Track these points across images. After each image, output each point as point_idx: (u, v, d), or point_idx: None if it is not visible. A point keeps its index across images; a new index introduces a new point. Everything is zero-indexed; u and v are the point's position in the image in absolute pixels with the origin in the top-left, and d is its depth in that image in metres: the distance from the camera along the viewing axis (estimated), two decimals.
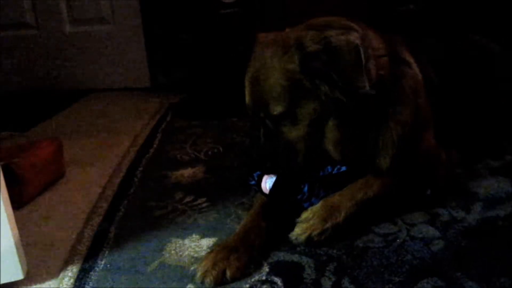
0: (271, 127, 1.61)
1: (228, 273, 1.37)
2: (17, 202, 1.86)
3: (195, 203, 1.83)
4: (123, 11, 3.56)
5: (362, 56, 1.48)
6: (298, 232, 1.51)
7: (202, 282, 1.37)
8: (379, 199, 1.60)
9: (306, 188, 1.63)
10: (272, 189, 1.65)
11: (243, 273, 1.39)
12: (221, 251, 1.43)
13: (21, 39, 3.70)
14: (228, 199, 1.83)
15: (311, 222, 1.52)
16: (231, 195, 1.85)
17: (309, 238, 1.49)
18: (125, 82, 3.69)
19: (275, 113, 1.56)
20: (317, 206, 1.56)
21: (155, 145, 2.49)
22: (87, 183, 2.10)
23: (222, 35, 3.34)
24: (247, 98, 1.63)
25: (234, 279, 1.37)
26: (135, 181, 2.08)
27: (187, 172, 2.12)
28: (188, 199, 1.87)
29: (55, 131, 2.79)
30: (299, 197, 1.62)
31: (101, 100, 3.48)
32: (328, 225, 1.51)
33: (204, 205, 1.81)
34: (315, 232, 1.50)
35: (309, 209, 1.56)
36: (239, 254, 1.42)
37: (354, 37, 1.52)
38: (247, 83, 1.62)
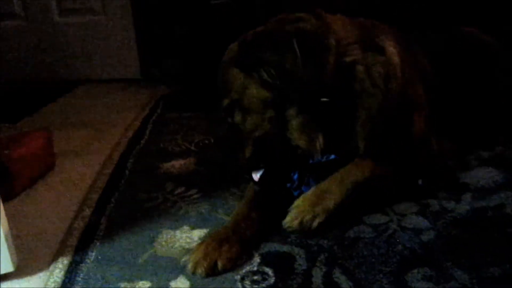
0: (230, 121, 1.66)
1: (219, 264, 1.38)
2: (7, 194, 1.85)
3: (186, 194, 1.83)
4: (114, 1, 3.52)
5: (296, 47, 1.50)
6: (289, 219, 1.52)
7: (194, 273, 1.37)
8: (369, 182, 1.60)
9: (296, 176, 1.64)
10: (262, 177, 1.65)
11: (235, 264, 1.40)
12: (212, 242, 1.43)
13: (9, 29, 3.66)
14: (219, 190, 1.83)
15: (302, 208, 1.53)
16: (222, 186, 1.85)
17: (301, 224, 1.50)
18: (115, 73, 3.67)
19: (224, 104, 1.64)
20: (308, 193, 1.57)
21: (146, 137, 2.48)
22: (77, 175, 2.09)
23: (213, 26, 3.32)
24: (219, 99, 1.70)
25: (226, 269, 1.38)
26: (126, 172, 2.07)
27: (178, 163, 2.11)
28: (179, 190, 1.87)
29: (45, 123, 2.77)
30: (289, 185, 1.63)
31: (91, 92, 3.46)
32: (319, 210, 1.52)
33: (195, 196, 1.81)
34: (306, 218, 1.51)
35: (301, 196, 1.57)
36: (230, 245, 1.43)
37: (291, 28, 1.55)
38: (218, 85, 1.71)
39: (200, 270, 1.37)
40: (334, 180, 1.59)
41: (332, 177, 1.60)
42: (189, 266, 1.38)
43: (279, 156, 1.66)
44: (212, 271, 1.37)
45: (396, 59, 1.67)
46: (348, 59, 1.59)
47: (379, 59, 1.65)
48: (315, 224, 1.51)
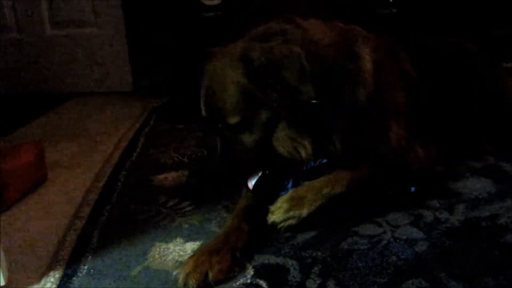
0: (227, 136, 1.66)
1: (210, 275, 1.37)
2: None
3: (179, 206, 1.82)
4: (106, 14, 3.53)
5: (305, 63, 1.56)
6: (268, 219, 1.58)
7: (185, 285, 1.36)
8: (348, 193, 1.63)
9: (290, 185, 1.66)
10: (256, 185, 1.66)
11: (226, 276, 1.39)
12: (202, 254, 1.43)
13: (1, 42, 3.65)
14: (212, 202, 1.82)
15: (277, 212, 1.57)
16: (215, 199, 1.84)
17: (273, 224, 1.56)
18: (107, 85, 3.67)
19: (232, 123, 1.62)
20: (285, 197, 1.60)
21: (138, 149, 2.47)
22: (69, 188, 2.08)
23: (205, 38, 3.33)
24: (203, 111, 1.71)
25: (217, 281, 1.37)
26: (118, 185, 2.06)
27: (170, 175, 2.11)
28: (172, 202, 1.86)
29: (37, 135, 2.76)
30: (283, 192, 1.64)
31: (83, 104, 3.45)
32: (290, 215, 1.56)
33: (188, 208, 1.81)
34: (277, 220, 1.56)
35: (279, 199, 1.60)
36: (220, 257, 1.42)
37: (295, 47, 1.60)
38: (202, 98, 1.71)
39: (191, 282, 1.36)
40: (311, 189, 1.62)
41: (310, 184, 1.64)
42: (180, 278, 1.37)
43: (274, 165, 1.69)
44: (204, 283, 1.36)
45: (368, 66, 1.71)
46: (320, 65, 1.63)
47: (348, 65, 1.69)
48: (285, 226, 1.56)
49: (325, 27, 1.75)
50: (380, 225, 1.61)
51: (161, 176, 2.10)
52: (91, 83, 3.68)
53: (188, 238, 1.61)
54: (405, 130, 1.77)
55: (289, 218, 1.57)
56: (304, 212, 1.57)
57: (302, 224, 1.57)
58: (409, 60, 1.89)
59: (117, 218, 1.79)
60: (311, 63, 1.58)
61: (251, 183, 1.67)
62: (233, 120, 1.62)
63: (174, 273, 1.42)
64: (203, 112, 1.70)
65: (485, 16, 2.92)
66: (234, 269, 1.42)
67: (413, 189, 1.70)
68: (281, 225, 1.56)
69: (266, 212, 1.60)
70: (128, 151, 2.44)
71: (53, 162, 2.31)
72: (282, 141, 1.66)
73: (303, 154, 1.66)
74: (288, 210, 1.57)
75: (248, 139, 1.65)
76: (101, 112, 3.21)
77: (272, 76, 1.57)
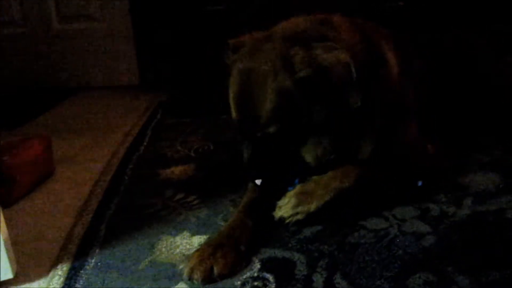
0: (260, 141, 1.60)
1: (215, 269, 1.37)
2: (6, 201, 1.85)
3: (186, 200, 1.83)
4: (112, 8, 3.53)
5: (353, 72, 1.50)
6: (275, 215, 1.58)
7: (190, 279, 1.36)
8: (357, 188, 1.62)
9: (297, 180, 1.66)
10: (264, 181, 1.65)
11: (231, 270, 1.39)
12: (207, 249, 1.43)
13: (8, 37, 3.66)
14: (219, 196, 1.82)
15: (284, 208, 1.57)
16: (222, 192, 1.85)
17: (280, 219, 1.57)
18: (114, 79, 3.67)
19: (271, 131, 1.57)
20: (293, 192, 1.60)
21: (145, 143, 2.47)
22: (77, 181, 2.08)
23: (209, 32, 3.33)
24: (237, 115, 1.62)
25: (222, 275, 1.37)
26: (125, 179, 2.06)
27: (177, 169, 2.11)
28: (178, 196, 1.86)
29: (44, 129, 2.77)
30: (290, 188, 1.64)
31: (90, 98, 3.46)
32: (298, 210, 1.56)
33: (195, 202, 1.81)
34: (285, 215, 1.56)
35: (287, 194, 1.60)
36: (225, 251, 1.42)
37: (342, 53, 1.53)
38: (234, 100, 1.62)
39: (196, 276, 1.36)
40: (319, 184, 1.61)
41: (318, 179, 1.62)
42: (185, 272, 1.38)
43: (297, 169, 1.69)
44: (209, 277, 1.36)
45: (395, 70, 1.69)
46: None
47: (380, 73, 1.67)
48: (293, 221, 1.56)
49: (352, 27, 1.68)
50: (386, 219, 1.60)
51: (168, 170, 2.11)
52: (98, 77, 3.69)
53: (195, 232, 1.62)
54: (418, 129, 1.76)
55: (297, 213, 1.56)
56: (312, 207, 1.57)
57: (310, 219, 1.57)
58: (418, 57, 1.88)
59: (124, 211, 1.80)
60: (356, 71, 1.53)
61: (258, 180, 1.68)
62: (272, 129, 1.56)
63: (180, 267, 1.43)
64: (234, 115, 1.63)
65: (493, 9, 2.90)
66: (239, 264, 1.42)
67: (419, 183, 1.70)
68: (288, 220, 1.56)
69: (272, 207, 1.60)
70: (135, 145, 2.44)
71: (61, 156, 2.32)
72: (312, 148, 1.65)
73: (328, 158, 1.66)
74: (296, 205, 1.57)
75: (282, 146, 1.62)
76: (108, 106, 3.22)
77: (319, 86, 1.51)
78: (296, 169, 1.68)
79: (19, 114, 3.07)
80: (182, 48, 3.44)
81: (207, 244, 1.47)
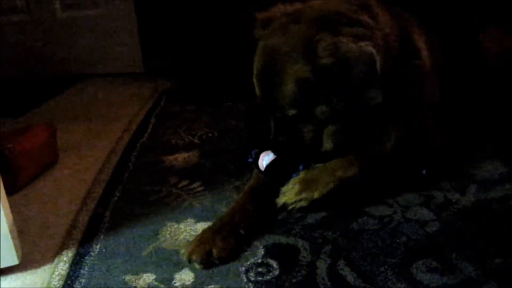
0: (283, 123, 1.62)
1: (214, 252, 1.39)
2: (11, 188, 1.86)
3: (190, 187, 1.83)
4: None
5: (378, 66, 1.47)
6: (279, 201, 1.58)
7: (189, 262, 1.38)
8: (362, 178, 1.61)
9: (301, 167, 1.66)
10: (268, 166, 1.67)
11: (230, 253, 1.41)
12: (206, 232, 1.46)
13: (12, 24, 3.66)
14: (223, 183, 1.83)
15: (288, 193, 1.57)
16: (226, 179, 1.85)
17: (284, 206, 1.56)
18: (118, 67, 3.67)
19: (290, 114, 1.57)
20: (297, 178, 1.60)
21: (149, 130, 2.48)
22: (81, 169, 2.09)
23: (214, 17, 3.32)
24: (259, 93, 1.62)
25: (220, 258, 1.39)
26: (129, 166, 2.07)
27: (181, 156, 2.11)
28: (183, 183, 1.86)
29: (48, 117, 2.77)
30: (294, 175, 1.64)
31: (94, 86, 3.46)
32: (302, 196, 1.55)
33: (199, 189, 1.81)
34: (288, 201, 1.56)
35: (291, 180, 1.60)
36: (224, 235, 1.44)
37: (368, 46, 1.48)
38: (258, 79, 1.61)
39: (195, 257, 1.38)
40: (324, 171, 1.61)
41: (323, 166, 1.62)
42: (185, 255, 1.40)
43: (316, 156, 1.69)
44: (207, 259, 1.38)
45: (428, 62, 1.67)
46: (389, 65, 1.56)
47: (415, 64, 1.65)
48: (296, 207, 1.56)
49: (390, 16, 1.65)
50: (390, 206, 1.60)
51: (172, 157, 2.11)
52: (102, 64, 3.68)
53: (199, 219, 1.62)
54: (434, 120, 1.75)
55: (300, 200, 1.56)
56: (316, 194, 1.56)
57: (313, 206, 1.57)
58: (440, 49, 1.85)
59: (129, 198, 1.80)
60: (383, 65, 1.50)
61: (262, 165, 1.68)
62: (291, 112, 1.57)
63: (182, 251, 1.44)
64: (257, 92, 1.63)
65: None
66: (238, 247, 1.43)
67: (424, 171, 1.69)
68: (292, 206, 1.56)
69: (275, 194, 1.60)
70: (139, 132, 2.45)
71: (65, 144, 2.32)
72: (331, 136, 1.64)
73: (327, 146, 1.66)
74: (300, 191, 1.57)
75: (302, 129, 1.62)
76: (112, 94, 3.22)
77: (339, 78, 1.48)
78: (310, 153, 1.67)
79: (23, 102, 3.07)
80: (186, 36, 3.43)
81: (208, 228, 1.49)
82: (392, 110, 1.63)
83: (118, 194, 1.83)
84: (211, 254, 1.39)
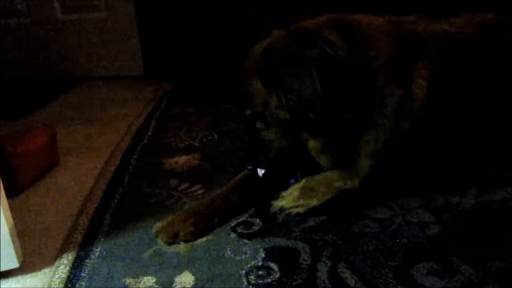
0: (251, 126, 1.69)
1: (181, 235, 1.50)
2: (11, 191, 1.85)
3: (190, 190, 1.83)
4: None
5: (315, 77, 1.46)
6: (275, 205, 1.63)
7: (156, 237, 1.51)
8: (360, 190, 1.63)
9: (298, 175, 1.71)
10: (265, 174, 1.70)
11: (197, 238, 1.51)
12: (180, 215, 1.57)
13: (12, 27, 3.66)
14: (223, 185, 1.82)
15: (287, 199, 1.62)
16: (226, 182, 1.84)
17: (281, 209, 1.61)
18: (118, 70, 3.67)
19: (246, 114, 1.65)
20: (297, 186, 1.64)
21: (149, 133, 2.48)
22: (81, 171, 2.09)
23: (214, 20, 3.32)
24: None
25: (187, 240, 1.49)
26: (130, 168, 2.07)
27: (182, 159, 2.11)
28: (183, 186, 1.86)
29: (48, 119, 2.78)
30: (292, 181, 1.69)
31: (94, 88, 3.46)
32: (299, 203, 1.60)
33: (199, 192, 1.81)
34: (286, 206, 1.61)
35: (291, 187, 1.65)
36: (196, 219, 1.54)
37: (314, 53, 1.50)
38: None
39: (161, 237, 1.51)
40: (323, 181, 1.64)
41: (322, 176, 1.65)
42: (154, 231, 1.54)
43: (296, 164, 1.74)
44: (173, 240, 1.49)
45: (420, 94, 1.56)
46: (368, 87, 1.55)
47: (397, 92, 1.56)
48: (293, 212, 1.60)
49: (387, 38, 1.59)
50: (391, 208, 1.60)
51: (172, 160, 2.11)
52: (102, 67, 3.69)
53: None
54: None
55: (297, 206, 1.60)
56: (313, 202, 1.61)
57: (310, 213, 1.60)
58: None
59: (129, 201, 1.80)
60: (338, 81, 1.50)
61: (260, 171, 1.71)
62: (247, 112, 1.64)
63: (153, 226, 1.57)
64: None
65: None
66: (208, 233, 1.53)
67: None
68: (289, 210, 1.60)
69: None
70: (140, 135, 2.45)
71: (65, 146, 2.32)
72: (314, 150, 1.65)
73: (323, 163, 1.67)
74: (298, 198, 1.61)
75: (263, 133, 1.65)
76: (112, 96, 3.22)
77: (286, 78, 1.52)
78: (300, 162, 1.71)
79: (24, 105, 3.08)
80: (186, 38, 3.43)
81: (185, 210, 1.61)
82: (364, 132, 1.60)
83: (118, 197, 1.83)
84: (177, 236, 1.50)
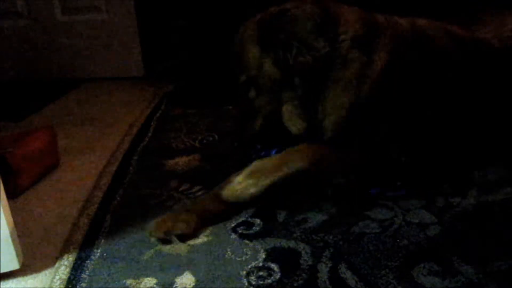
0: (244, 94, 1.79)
1: (173, 231, 1.51)
2: (12, 192, 1.85)
3: (190, 191, 1.83)
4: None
5: (318, 20, 1.66)
6: (226, 188, 1.64)
7: (150, 236, 1.52)
8: (310, 171, 1.63)
9: (274, 151, 1.77)
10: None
11: (189, 235, 1.52)
12: (173, 213, 1.59)
13: (13, 28, 3.66)
14: None
15: (237, 180, 1.63)
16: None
17: (233, 194, 1.62)
18: (118, 71, 3.67)
19: (241, 80, 1.76)
20: (249, 168, 1.65)
21: (150, 134, 2.48)
22: (82, 172, 2.09)
23: (215, 22, 3.32)
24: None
25: (179, 236, 1.50)
26: (130, 169, 2.07)
27: (182, 160, 2.11)
28: (183, 187, 1.86)
29: (49, 121, 2.78)
30: (273, 152, 1.78)
31: (94, 90, 3.46)
32: (252, 184, 1.60)
33: (199, 193, 1.81)
34: (238, 188, 1.61)
35: (243, 170, 1.65)
36: (188, 218, 1.55)
37: (309, 7, 1.69)
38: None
39: (154, 234, 1.51)
40: (274, 161, 1.65)
41: (275, 157, 1.67)
42: (146, 229, 1.54)
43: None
44: (164, 238, 1.50)
45: (379, 64, 1.67)
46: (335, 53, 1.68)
47: (362, 59, 1.68)
48: (245, 195, 1.60)
49: (353, 17, 1.74)
50: (391, 209, 1.60)
51: (173, 161, 2.11)
52: (102, 68, 3.68)
53: None
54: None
55: (249, 186, 1.60)
56: (265, 183, 1.60)
57: (269, 197, 1.61)
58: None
59: (129, 202, 1.80)
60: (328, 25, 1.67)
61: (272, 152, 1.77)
62: (241, 78, 1.77)
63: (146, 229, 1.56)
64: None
65: None
66: (201, 230, 1.55)
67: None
68: (239, 191, 1.60)
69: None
70: (140, 136, 2.45)
71: (65, 147, 2.32)
72: (288, 115, 1.73)
73: (294, 129, 1.73)
74: (248, 178, 1.61)
75: (255, 100, 1.76)
76: (112, 98, 3.22)
77: (284, 34, 1.66)
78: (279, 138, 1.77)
79: (24, 106, 3.07)
80: (187, 40, 3.43)
81: (178, 208, 1.65)
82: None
83: (119, 198, 1.83)
84: (170, 233, 1.51)
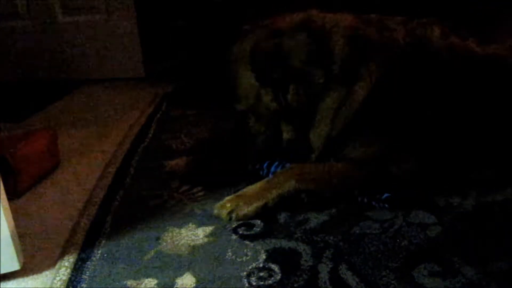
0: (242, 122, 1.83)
1: (233, 215, 1.60)
2: (12, 193, 1.85)
3: (191, 192, 1.83)
4: (117, 0, 3.52)
5: (311, 47, 1.68)
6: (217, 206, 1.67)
7: (218, 216, 1.62)
8: (297, 191, 1.67)
9: (275, 165, 1.84)
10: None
11: (249, 216, 1.60)
12: (235, 197, 1.66)
13: (13, 29, 3.66)
14: (224, 187, 1.83)
15: (228, 201, 1.66)
16: (227, 184, 1.85)
17: (222, 213, 1.64)
18: (119, 72, 3.67)
19: (238, 110, 1.81)
20: (240, 192, 1.69)
21: (150, 135, 2.47)
22: (82, 173, 2.09)
23: (215, 23, 3.32)
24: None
25: (241, 217, 1.60)
26: (130, 170, 2.07)
27: (182, 161, 2.11)
28: (184, 188, 1.86)
29: (49, 122, 2.78)
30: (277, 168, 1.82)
31: (95, 90, 3.46)
32: (233, 215, 1.62)
33: (200, 194, 1.81)
34: (223, 213, 1.63)
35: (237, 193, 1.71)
36: (247, 200, 1.62)
37: (303, 37, 1.70)
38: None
39: (219, 212, 1.62)
40: (261, 187, 1.68)
41: (263, 183, 1.69)
42: (215, 209, 1.64)
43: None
44: (229, 216, 1.60)
45: (361, 94, 1.68)
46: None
47: (340, 90, 1.70)
48: (233, 216, 1.62)
49: (343, 41, 1.73)
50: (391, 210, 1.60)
51: (173, 162, 2.11)
52: (103, 69, 3.68)
53: (201, 223, 1.62)
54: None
55: (231, 218, 1.62)
56: (253, 207, 1.63)
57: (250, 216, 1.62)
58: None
59: (130, 203, 1.80)
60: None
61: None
62: (240, 106, 1.81)
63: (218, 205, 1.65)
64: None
65: None
66: (261, 214, 1.61)
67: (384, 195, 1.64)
68: (228, 216, 1.63)
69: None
70: (140, 137, 2.45)
71: (66, 148, 2.32)
72: (287, 125, 1.78)
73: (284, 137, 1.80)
74: (232, 209, 1.64)
75: (253, 126, 1.80)
76: (112, 98, 3.22)
77: (279, 73, 1.69)
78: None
79: (25, 107, 3.07)
80: (187, 40, 3.43)
81: (245, 190, 1.69)
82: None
83: (119, 199, 1.83)
84: (232, 213, 1.61)
